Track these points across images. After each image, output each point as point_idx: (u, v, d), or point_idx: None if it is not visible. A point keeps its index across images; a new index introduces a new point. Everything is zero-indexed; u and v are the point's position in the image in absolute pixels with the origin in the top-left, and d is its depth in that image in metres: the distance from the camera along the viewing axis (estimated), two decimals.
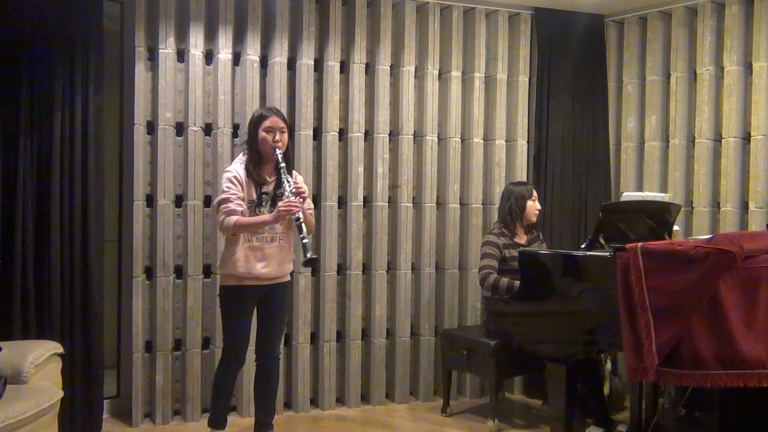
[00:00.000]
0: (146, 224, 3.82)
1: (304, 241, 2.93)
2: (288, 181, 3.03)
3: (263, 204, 3.11)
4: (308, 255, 2.89)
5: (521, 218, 3.93)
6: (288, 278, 3.28)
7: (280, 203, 3.00)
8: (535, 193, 3.96)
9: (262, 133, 3.09)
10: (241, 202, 3.04)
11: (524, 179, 4.45)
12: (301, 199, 3.03)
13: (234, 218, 2.99)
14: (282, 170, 3.05)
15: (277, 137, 3.08)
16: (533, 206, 3.94)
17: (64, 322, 3.45)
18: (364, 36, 4.16)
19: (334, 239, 4.11)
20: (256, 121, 3.13)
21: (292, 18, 4.04)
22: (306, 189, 3.20)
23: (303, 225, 2.95)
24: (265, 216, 3.06)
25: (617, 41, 4.63)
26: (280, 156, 3.06)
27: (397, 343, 4.26)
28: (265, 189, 3.12)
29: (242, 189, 3.06)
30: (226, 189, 3.04)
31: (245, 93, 3.91)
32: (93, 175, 3.51)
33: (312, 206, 3.29)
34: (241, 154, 3.20)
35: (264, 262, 3.09)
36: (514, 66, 4.49)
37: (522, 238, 3.96)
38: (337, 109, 4.12)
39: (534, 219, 3.98)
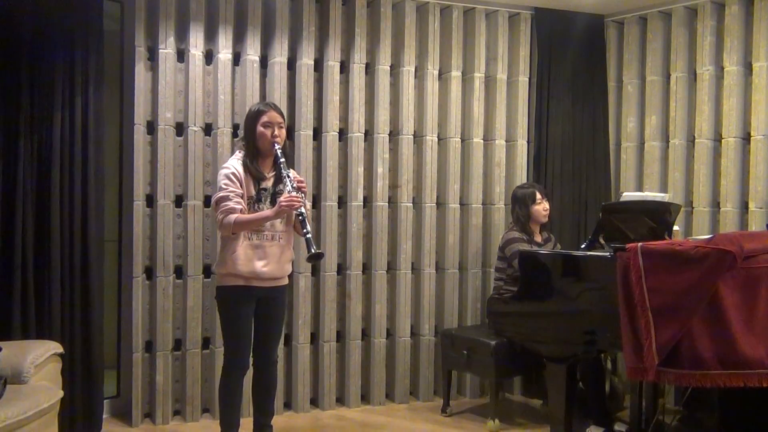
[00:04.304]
0: (146, 224, 3.82)
1: (308, 236, 2.87)
2: (288, 176, 2.98)
3: (262, 200, 3.05)
4: (313, 250, 2.85)
5: (529, 222, 3.96)
6: (287, 281, 3.22)
7: (281, 198, 2.95)
8: (538, 195, 3.97)
9: (260, 128, 3.03)
10: (240, 200, 2.98)
11: (524, 179, 4.46)
12: (302, 194, 2.99)
13: (233, 216, 2.93)
14: (282, 165, 3.00)
15: (276, 132, 3.03)
16: (539, 208, 3.96)
17: (64, 322, 3.45)
18: (364, 36, 4.16)
19: (334, 239, 4.11)
20: (254, 116, 3.06)
21: (292, 18, 4.04)
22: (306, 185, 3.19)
23: (306, 220, 2.91)
24: (266, 212, 2.99)
25: (617, 41, 4.63)
26: (279, 151, 3.01)
27: (397, 343, 4.26)
28: (263, 185, 3.06)
29: (241, 186, 3.00)
30: (224, 186, 2.98)
31: (245, 93, 3.91)
32: (93, 175, 3.52)
33: (309, 207, 3.25)
34: (237, 151, 3.14)
35: (265, 260, 3.03)
36: (514, 66, 4.49)
37: (538, 237, 4.01)
38: (337, 109, 4.12)
39: (544, 219, 4.01)
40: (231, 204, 2.95)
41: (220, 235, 3.14)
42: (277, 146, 3.02)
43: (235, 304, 3.06)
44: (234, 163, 3.05)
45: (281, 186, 3.04)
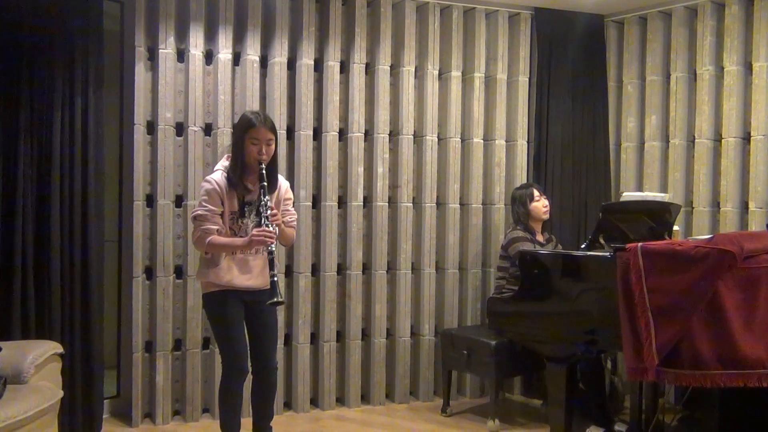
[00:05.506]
0: (146, 224, 3.82)
1: (274, 279, 2.82)
2: (265, 205, 2.88)
3: (246, 215, 2.98)
4: (276, 298, 2.80)
5: (530, 220, 3.98)
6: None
7: (255, 230, 2.88)
8: (536, 193, 3.99)
9: (247, 143, 2.92)
10: (218, 219, 2.93)
11: (524, 179, 4.46)
12: (276, 227, 2.90)
13: (209, 237, 2.89)
14: (262, 190, 2.89)
15: (263, 150, 2.92)
16: (538, 206, 3.97)
17: (64, 322, 3.45)
18: (364, 36, 4.16)
19: (334, 239, 4.11)
20: (244, 128, 2.92)
21: (292, 18, 4.04)
22: (292, 197, 3.15)
23: (275, 260, 2.85)
24: (238, 240, 2.93)
25: (617, 41, 4.63)
26: (263, 172, 2.91)
27: (397, 343, 4.26)
28: (248, 198, 2.99)
29: (222, 202, 2.93)
30: (204, 204, 2.92)
31: (245, 93, 3.91)
32: (93, 175, 3.52)
33: (294, 217, 3.16)
34: (224, 158, 3.07)
35: (249, 274, 2.99)
36: (514, 66, 4.49)
37: (540, 237, 4.02)
38: (337, 109, 4.12)
39: (545, 216, 4.03)
40: (209, 225, 2.90)
41: (196, 249, 3.06)
42: (262, 166, 2.92)
43: (223, 307, 3.00)
44: (218, 177, 2.96)
45: (265, 200, 2.93)
